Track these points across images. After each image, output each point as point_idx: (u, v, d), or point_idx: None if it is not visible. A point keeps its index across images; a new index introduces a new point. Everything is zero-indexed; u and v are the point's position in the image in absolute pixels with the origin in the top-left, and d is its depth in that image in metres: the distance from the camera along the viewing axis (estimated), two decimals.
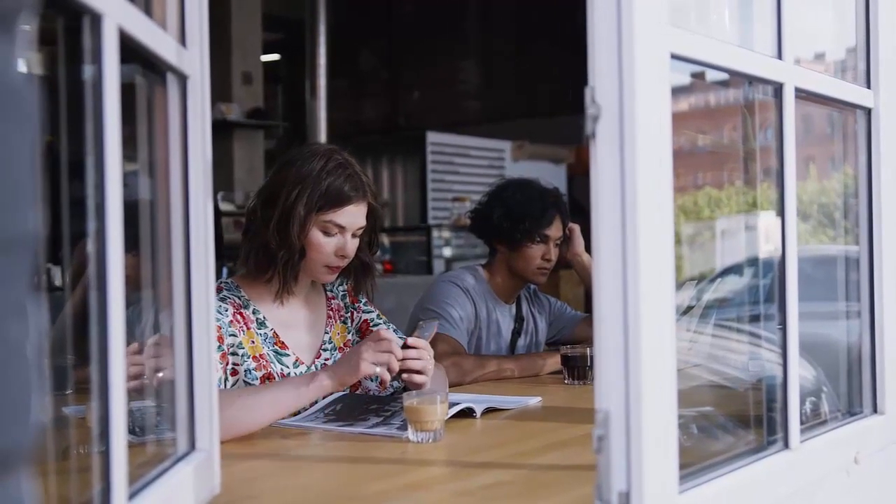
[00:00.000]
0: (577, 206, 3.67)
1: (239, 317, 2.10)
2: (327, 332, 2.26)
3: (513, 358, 2.83)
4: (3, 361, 0.48)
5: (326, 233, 2.12)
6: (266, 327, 2.14)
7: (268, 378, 2.07)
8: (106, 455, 0.97)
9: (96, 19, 0.96)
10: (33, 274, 0.52)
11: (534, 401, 2.27)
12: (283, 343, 2.15)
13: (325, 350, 2.23)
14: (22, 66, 0.52)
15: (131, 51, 1.07)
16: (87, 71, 0.98)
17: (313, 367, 2.17)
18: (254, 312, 2.14)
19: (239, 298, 2.14)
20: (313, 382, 1.95)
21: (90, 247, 0.97)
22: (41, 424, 0.52)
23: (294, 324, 2.20)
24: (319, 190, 2.08)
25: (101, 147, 0.96)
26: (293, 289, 2.18)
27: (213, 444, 1.35)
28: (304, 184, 2.08)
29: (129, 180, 1.04)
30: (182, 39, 1.30)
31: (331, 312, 2.29)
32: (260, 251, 2.13)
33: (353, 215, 2.12)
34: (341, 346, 2.27)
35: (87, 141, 0.97)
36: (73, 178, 0.99)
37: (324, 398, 2.08)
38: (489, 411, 2.10)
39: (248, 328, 2.11)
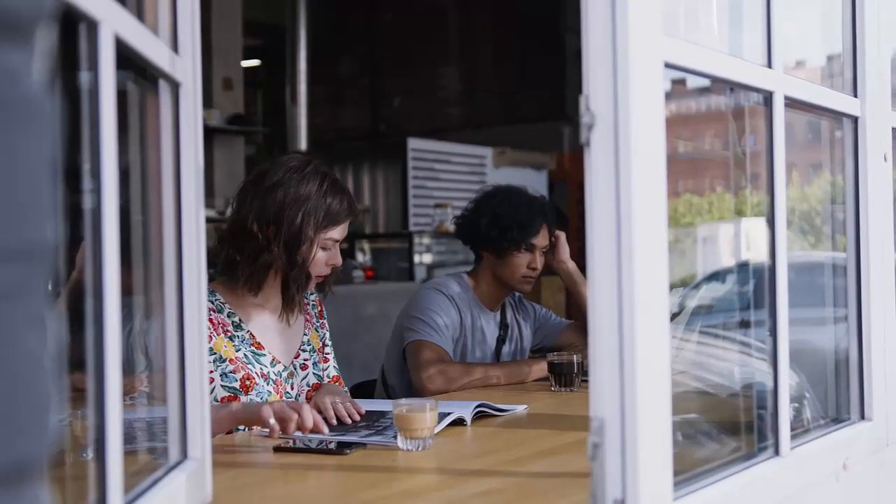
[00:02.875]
0: (558, 213, 3.67)
1: (208, 323, 2.10)
2: (306, 334, 2.34)
3: (499, 365, 2.83)
4: (24, 373, 0.47)
5: (325, 248, 2.20)
6: (243, 329, 2.19)
7: (247, 379, 2.13)
8: (101, 464, 0.96)
9: (93, 26, 0.95)
10: (48, 284, 0.51)
11: (520, 409, 2.27)
12: (259, 344, 2.21)
13: (303, 350, 2.31)
14: (39, 76, 0.52)
15: (124, 57, 1.06)
16: (83, 77, 0.97)
17: (291, 367, 2.25)
18: (229, 316, 2.19)
19: (213, 303, 2.17)
20: (224, 408, 1.94)
21: (86, 254, 0.96)
22: (57, 434, 0.52)
23: (272, 326, 2.26)
24: (323, 211, 2.16)
25: (98, 153, 0.96)
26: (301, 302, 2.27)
27: (206, 453, 1.34)
28: (308, 206, 2.15)
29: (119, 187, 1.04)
30: (174, 46, 1.29)
31: (308, 316, 2.37)
32: (262, 271, 2.16)
33: (346, 229, 2.25)
34: (317, 348, 2.35)
35: (82, 147, 0.96)
36: (66, 185, 0.97)
37: None
38: (480, 416, 2.10)
39: (220, 333, 2.15)
